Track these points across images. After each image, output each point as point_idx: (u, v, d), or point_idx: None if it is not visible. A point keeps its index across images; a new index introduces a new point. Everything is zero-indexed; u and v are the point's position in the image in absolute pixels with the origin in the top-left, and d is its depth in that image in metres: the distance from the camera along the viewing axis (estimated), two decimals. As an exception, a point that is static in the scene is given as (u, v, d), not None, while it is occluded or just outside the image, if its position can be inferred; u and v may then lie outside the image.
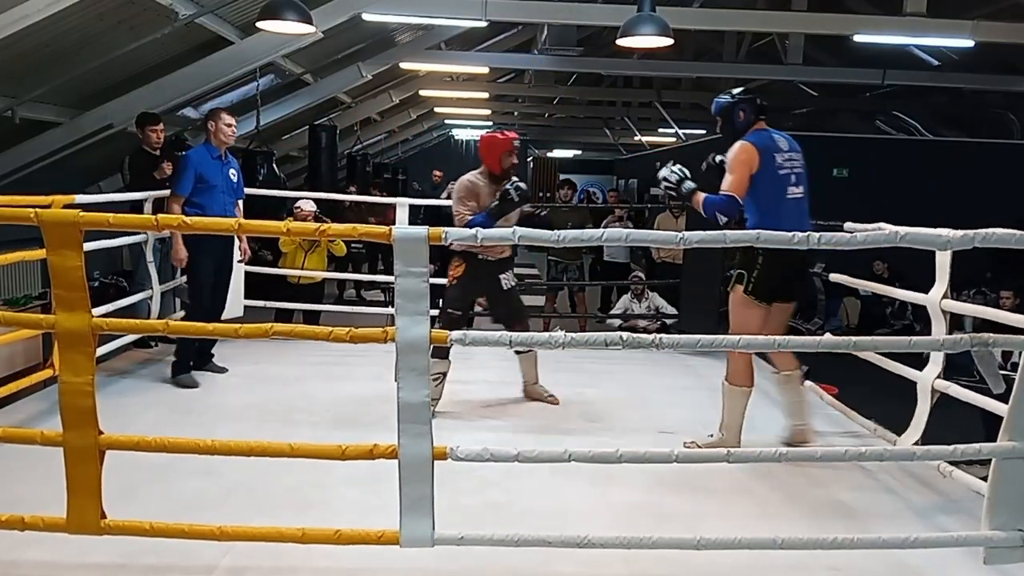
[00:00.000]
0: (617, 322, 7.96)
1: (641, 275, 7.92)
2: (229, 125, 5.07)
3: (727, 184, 3.68)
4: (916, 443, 3.76)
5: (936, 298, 3.67)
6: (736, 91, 4.00)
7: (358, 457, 2.46)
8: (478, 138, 4.70)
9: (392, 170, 18.49)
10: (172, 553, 2.72)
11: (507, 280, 4.66)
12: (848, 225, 4.39)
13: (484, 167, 4.58)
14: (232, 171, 5.15)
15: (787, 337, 2.17)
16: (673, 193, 3.89)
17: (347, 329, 2.32)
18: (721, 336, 2.13)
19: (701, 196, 3.76)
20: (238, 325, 2.42)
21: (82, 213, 2.27)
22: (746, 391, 3.81)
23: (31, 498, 2.78)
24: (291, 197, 7.74)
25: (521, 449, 2.43)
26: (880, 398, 4.47)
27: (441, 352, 4.31)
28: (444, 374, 4.48)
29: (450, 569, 2.73)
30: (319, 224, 2.29)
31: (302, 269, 7.11)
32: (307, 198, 7.29)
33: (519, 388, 4.92)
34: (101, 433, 2.39)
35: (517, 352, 4.81)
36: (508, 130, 5.09)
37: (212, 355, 5.25)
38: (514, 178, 4.50)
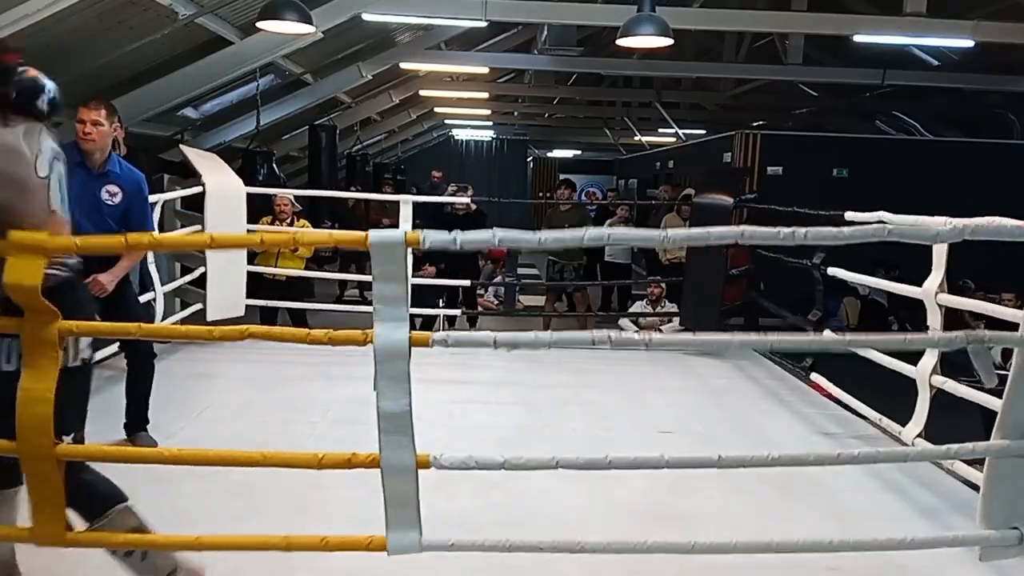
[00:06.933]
0: (627, 322, 7.96)
1: (659, 281, 7.87)
2: (81, 121, 3.78)
3: None
4: (919, 435, 3.77)
5: (931, 290, 3.67)
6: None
7: (335, 466, 2.38)
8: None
9: (391, 170, 18.49)
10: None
11: None
12: (849, 215, 4.38)
13: None
14: (109, 190, 3.86)
15: (783, 336, 2.16)
16: None
17: (325, 331, 2.27)
18: (714, 335, 2.13)
19: None
20: (213, 327, 2.38)
21: (48, 237, 2.18)
22: None
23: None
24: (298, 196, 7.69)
25: (509, 456, 2.38)
26: (881, 396, 4.47)
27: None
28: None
29: (448, 569, 2.73)
30: (293, 233, 2.26)
31: (275, 267, 6.99)
32: (326, 196, 6.97)
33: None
34: (59, 442, 2.25)
35: None
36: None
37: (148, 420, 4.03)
38: None
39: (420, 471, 2.31)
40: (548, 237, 2.11)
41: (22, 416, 2.22)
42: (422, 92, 15.09)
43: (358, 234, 2.19)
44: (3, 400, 2.24)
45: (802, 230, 1.89)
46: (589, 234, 2.12)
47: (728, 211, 6.37)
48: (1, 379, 2.28)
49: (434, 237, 2.14)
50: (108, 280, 3.69)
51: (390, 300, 2.17)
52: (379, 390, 2.23)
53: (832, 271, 5.02)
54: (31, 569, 2.57)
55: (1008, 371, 2.42)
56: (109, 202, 3.84)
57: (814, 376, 5.09)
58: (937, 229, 2.08)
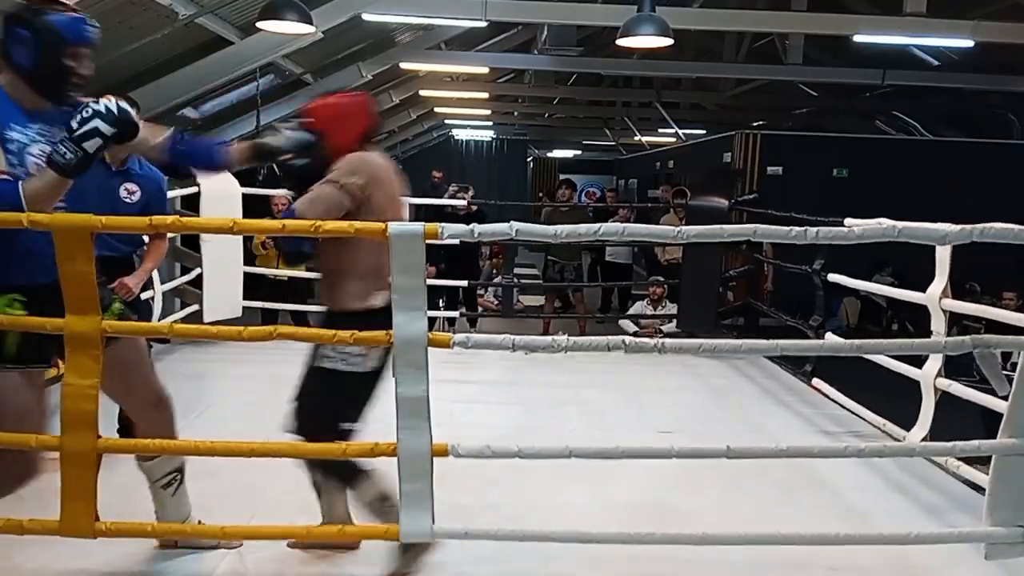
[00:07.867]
0: (627, 323, 7.95)
1: (662, 281, 7.86)
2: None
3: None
4: (924, 439, 3.76)
5: (935, 294, 3.67)
6: None
7: (359, 455, 2.48)
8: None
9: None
10: (168, 557, 2.74)
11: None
12: (848, 222, 4.37)
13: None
14: (128, 188, 3.70)
15: (790, 341, 2.15)
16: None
17: (350, 332, 2.32)
18: (724, 340, 2.12)
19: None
20: (242, 328, 2.41)
21: (92, 217, 2.25)
22: None
23: (32, 500, 2.78)
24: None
25: (522, 446, 2.43)
26: (884, 397, 4.47)
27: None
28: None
29: (450, 571, 2.72)
30: (315, 222, 2.27)
31: (276, 268, 6.96)
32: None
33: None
34: (100, 437, 2.37)
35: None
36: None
37: None
38: None
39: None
40: (564, 231, 2.12)
41: (66, 412, 2.30)
42: (422, 92, 15.07)
43: (378, 225, 2.21)
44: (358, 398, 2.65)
45: (813, 229, 1.89)
46: (604, 228, 2.12)
47: (723, 214, 6.36)
48: (358, 379, 2.62)
49: (452, 229, 2.16)
50: (134, 283, 3.68)
51: (409, 291, 2.23)
52: (397, 376, 2.30)
53: (832, 277, 5.03)
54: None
55: (1009, 371, 2.42)
56: (127, 200, 3.73)
57: (816, 382, 5.09)
58: (946, 231, 2.08)
